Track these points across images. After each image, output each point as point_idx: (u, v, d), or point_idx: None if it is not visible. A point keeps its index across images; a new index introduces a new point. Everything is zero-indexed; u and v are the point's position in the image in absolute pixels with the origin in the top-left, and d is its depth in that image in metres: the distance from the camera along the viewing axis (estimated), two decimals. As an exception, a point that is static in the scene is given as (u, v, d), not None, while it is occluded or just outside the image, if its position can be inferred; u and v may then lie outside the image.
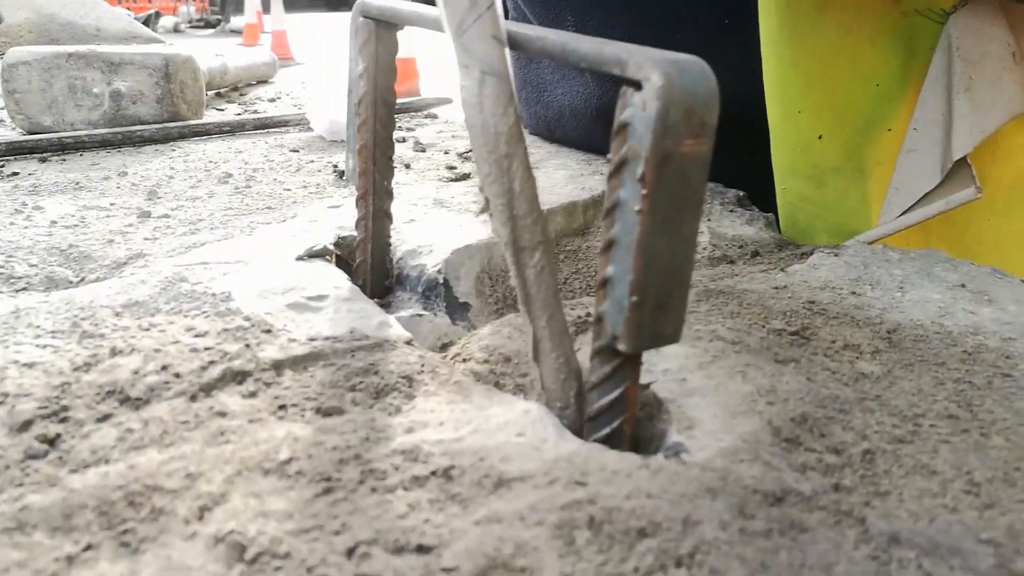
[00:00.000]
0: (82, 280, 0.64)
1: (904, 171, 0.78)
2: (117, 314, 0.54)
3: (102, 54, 1.10)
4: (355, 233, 0.65)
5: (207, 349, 0.48)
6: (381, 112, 0.60)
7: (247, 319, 0.52)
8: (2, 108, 1.17)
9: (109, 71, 1.09)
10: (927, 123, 0.78)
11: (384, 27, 0.57)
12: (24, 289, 0.63)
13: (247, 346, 0.49)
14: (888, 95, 0.81)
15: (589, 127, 1.06)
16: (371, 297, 0.64)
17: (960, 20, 0.76)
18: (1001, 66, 0.74)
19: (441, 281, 0.63)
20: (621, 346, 0.40)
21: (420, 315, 0.62)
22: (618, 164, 0.39)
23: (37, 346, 0.49)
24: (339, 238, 0.68)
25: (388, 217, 0.64)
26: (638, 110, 0.38)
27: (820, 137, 0.82)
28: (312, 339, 0.50)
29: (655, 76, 0.37)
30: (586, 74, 1.08)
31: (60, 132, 1.08)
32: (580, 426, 0.43)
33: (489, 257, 0.66)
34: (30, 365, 0.46)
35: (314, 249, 0.65)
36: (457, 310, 0.62)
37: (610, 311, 0.41)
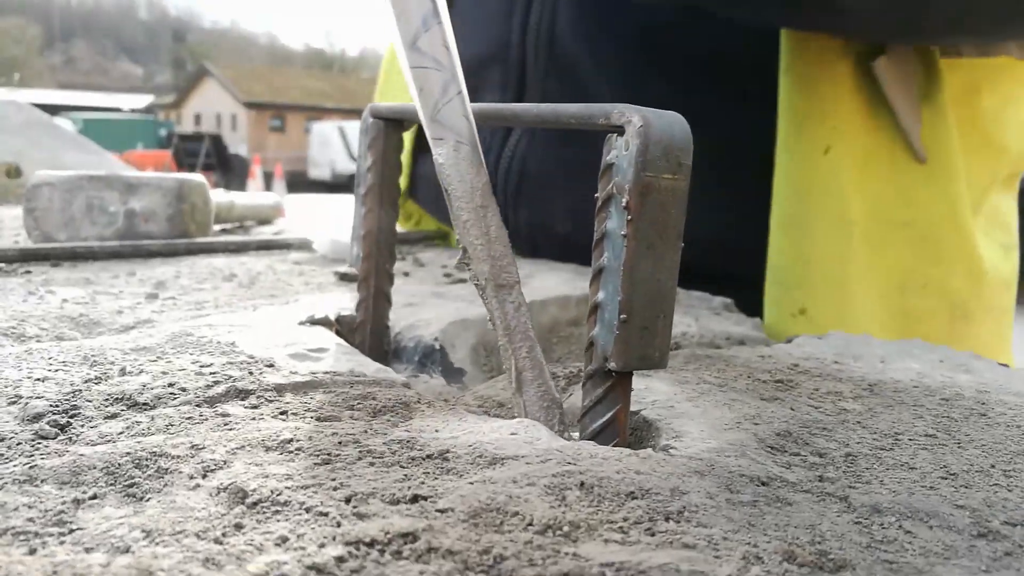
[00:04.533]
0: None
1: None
2: (126, 353, 0.56)
3: (121, 177, 1.17)
4: (355, 314, 0.68)
5: (212, 373, 0.50)
6: (386, 201, 0.65)
7: (251, 357, 0.54)
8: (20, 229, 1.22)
9: (126, 191, 1.16)
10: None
11: (392, 126, 0.63)
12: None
13: (250, 373, 0.51)
14: None
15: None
16: (369, 368, 0.66)
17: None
18: None
19: (437, 348, 0.66)
20: (612, 364, 0.43)
21: (416, 376, 0.64)
22: (605, 200, 0.43)
23: (49, 369, 0.50)
24: (340, 315, 0.71)
25: (388, 300, 0.67)
26: (621, 151, 0.42)
27: None
28: (313, 373, 0.52)
29: (635, 119, 0.42)
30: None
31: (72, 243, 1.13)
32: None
33: (485, 332, 0.69)
34: (43, 379, 0.48)
35: (316, 318, 0.68)
36: (453, 374, 0.64)
37: (600, 334, 0.44)
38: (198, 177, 1.22)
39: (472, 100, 1.33)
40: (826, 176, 0.88)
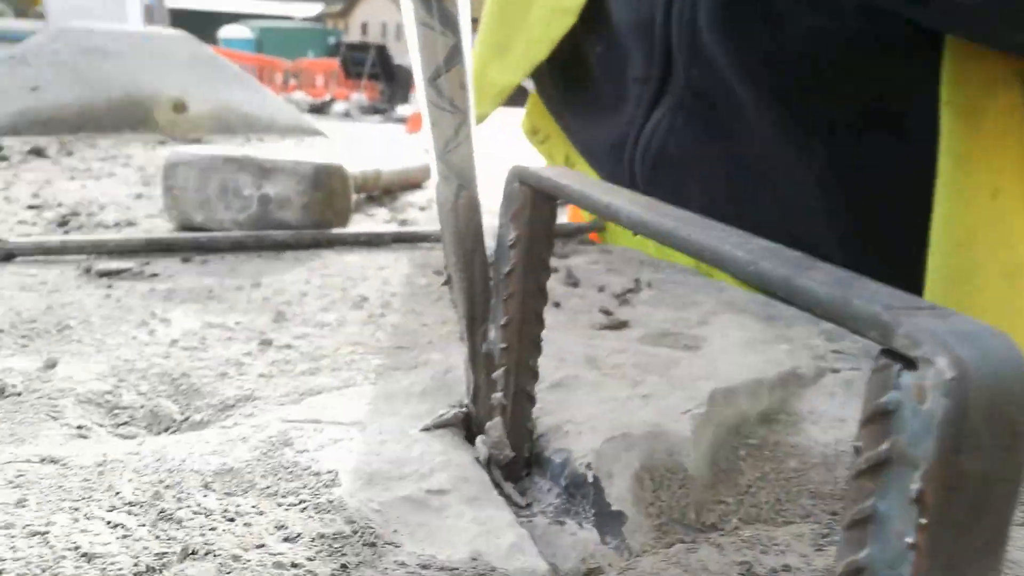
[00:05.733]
0: (186, 420, 0.57)
1: None
2: (206, 485, 0.45)
3: (255, 160, 1.08)
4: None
5: (294, 566, 0.38)
6: (532, 286, 0.51)
7: (349, 521, 0.42)
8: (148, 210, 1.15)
9: (260, 175, 1.08)
10: None
11: (543, 196, 0.48)
12: (126, 423, 0.56)
13: (343, 569, 0.39)
14: None
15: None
16: (506, 479, 0.54)
17: None
18: None
19: (590, 480, 0.52)
20: None
21: (561, 523, 0.50)
22: (875, 463, 0.27)
23: (107, 523, 0.41)
24: (469, 407, 0.58)
25: (531, 400, 0.54)
26: (910, 398, 0.26)
27: None
28: (424, 566, 0.40)
29: (942, 360, 0.24)
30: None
31: (201, 232, 1.07)
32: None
33: (652, 451, 0.54)
34: (89, 558, 0.38)
35: (443, 418, 0.55)
36: (608, 521, 0.50)
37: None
38: (336, 162, 1.11)
39: (617, 68, 1.18)
40: (994, 223, 0.79)
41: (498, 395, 0.54)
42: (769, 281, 0.31)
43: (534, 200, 0.49)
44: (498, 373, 0.53)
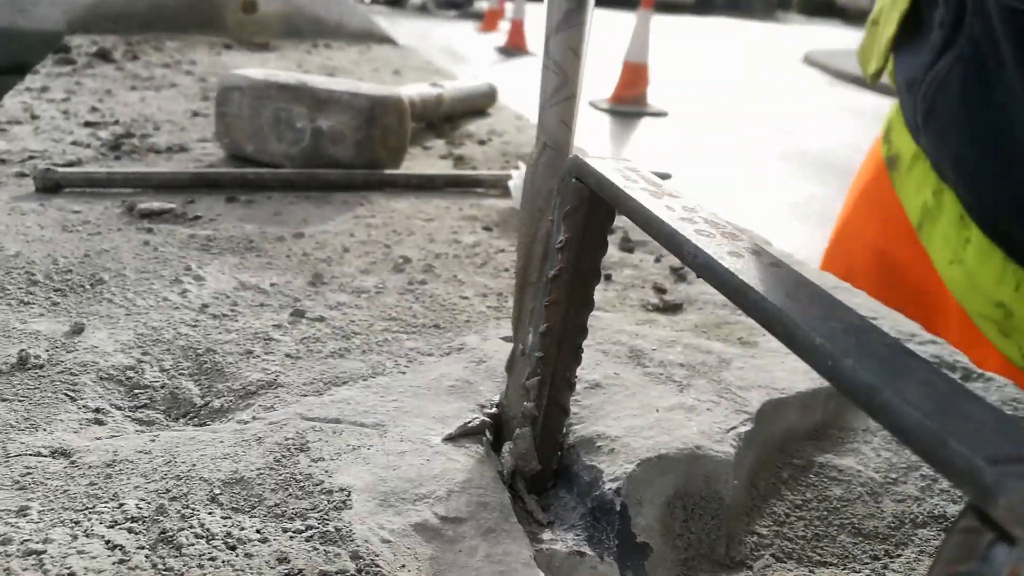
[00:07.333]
0: (206, 405, 0.55)
1: None
2: (213, 498, 0.43)
3: (311, 89, 1.04)
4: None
5: (289, 618, 0.37)
6: (578, 294, 0.46)
7: (356, 557, 0.40)
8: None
9: (314, 107, 1.03)
10: None
11: (601, 199, 0.43)
12: (145, 406, 0.55)
13: (339, 622, 0.37)
14: None
15: None
16: (529, 491, 0.51)
17: None
18: None
19: (617, 507, 0.48)
20: None
21: (581, 554, 0.47)
22: None
23: (106, 543, 0.39)
24: (497, 409, 0.55)
25: (564, 412, 0.50)
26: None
27: None
28: (426, 622, 0.38)
29: None
30: None
31: (251, 163, 1.04)
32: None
33: (688, 477, 0.51)
34: (76, 593, 0.37)
35: (467, 426, 0.52)
36: (632, 554, 0.47)
37: None
38: (395, 95, 1.06)
39: (932, 16, 1.11)
40: None
41: (530, 404, 0.50)
42: (849, 386, 0.27)
43: (591, 202, 0.45)
44: (532, 382, 0.50)
